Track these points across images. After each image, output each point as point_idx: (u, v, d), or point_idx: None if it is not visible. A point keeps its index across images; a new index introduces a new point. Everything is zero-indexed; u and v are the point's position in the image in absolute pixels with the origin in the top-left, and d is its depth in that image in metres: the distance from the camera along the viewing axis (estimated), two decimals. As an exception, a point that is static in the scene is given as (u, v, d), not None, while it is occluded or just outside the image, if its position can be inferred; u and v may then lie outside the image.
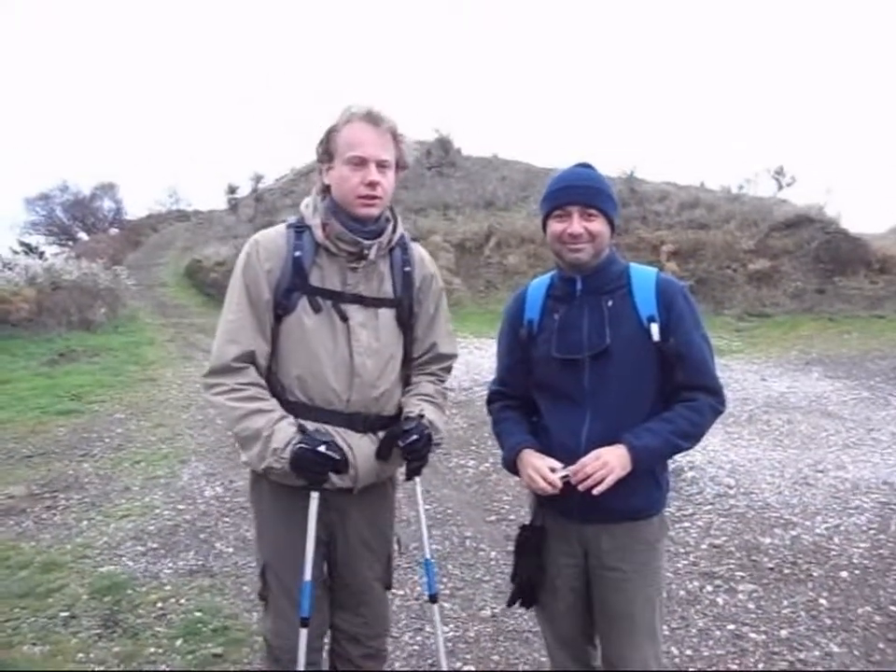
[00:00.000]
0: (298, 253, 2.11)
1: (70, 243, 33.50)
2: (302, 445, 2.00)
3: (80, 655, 3.28)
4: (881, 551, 4.19)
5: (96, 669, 3.16)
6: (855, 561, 4.07)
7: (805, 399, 8.21)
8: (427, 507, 5.01)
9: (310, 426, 2.09)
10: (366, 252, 2.12)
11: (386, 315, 2.20)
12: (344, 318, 2.13)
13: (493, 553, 4.28)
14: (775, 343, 12.20)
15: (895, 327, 13.02)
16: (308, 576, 2.10)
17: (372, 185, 2.06)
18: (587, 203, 2.09)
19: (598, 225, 2.10)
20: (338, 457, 2.02)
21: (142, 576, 4.09)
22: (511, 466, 2.21)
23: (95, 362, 10.89)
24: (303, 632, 2.13)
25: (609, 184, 2.19)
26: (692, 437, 2.11)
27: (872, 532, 4.45)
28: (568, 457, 2.08)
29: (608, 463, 1.99)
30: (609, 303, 2.12)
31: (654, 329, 2.08)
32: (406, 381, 2.33)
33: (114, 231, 33.51)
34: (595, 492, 1.99)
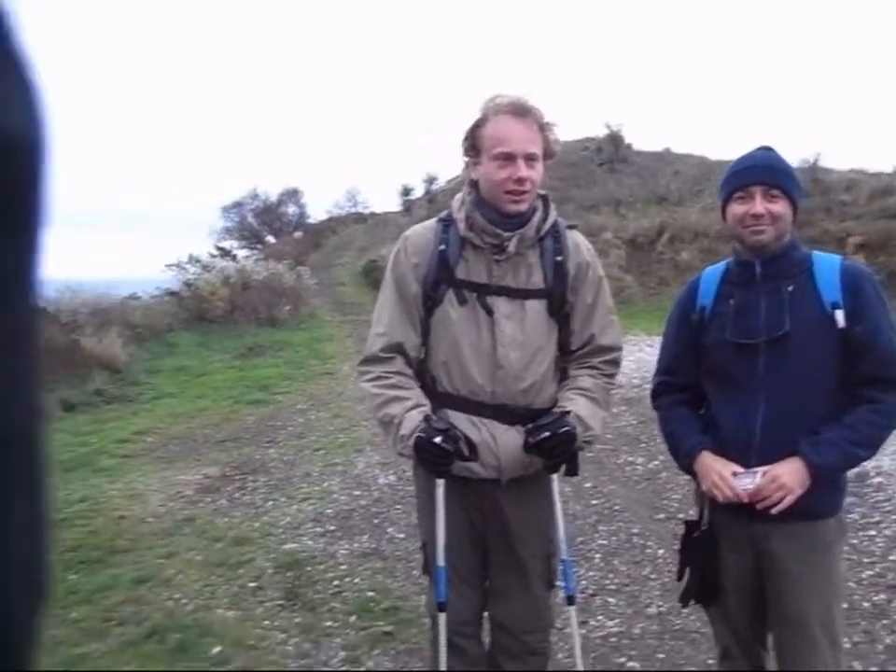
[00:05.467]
0: (443, 247, 2.17)
1: (259, 246, 35.99)
2: (420, 435, 2.03)
3: (266, 622, 3.56)
4: None
5: (279, 637, 3.42)
6: None
7: None
8: (595, 503, 4.99)
9: (450, 414, 2.13)
10: (506, 244, 2.12)
11: (535, 306, 2.17)
12: (489, 311, 2.14)
13: (660, 551, 4.18)
14: None
15: None
16: (441, 561, 2.15)
17: (521, 181, 2.06)
18: (770, 183, 2.03)
19: (781, 207, 2.03)
20: (451, 449, 2.02)
21: (320, 555, 4.35)
22: (688, 468, 2.17)
23: (280, 356, 11.65)
24: (441, 616, 2.19)
25: (791, 166, 2.12)
26: (876, 444, 2.01)
27: None
28: (742, 450, 2.04)
29: (784, 486, 1.94)
30: (790, 288, 2.03)
31: (839, 316, 1.98)
32: (565, 374, 2.28)
33: (298, 234, 35.60)
34: (773, 511, 1.95)
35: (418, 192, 32.38)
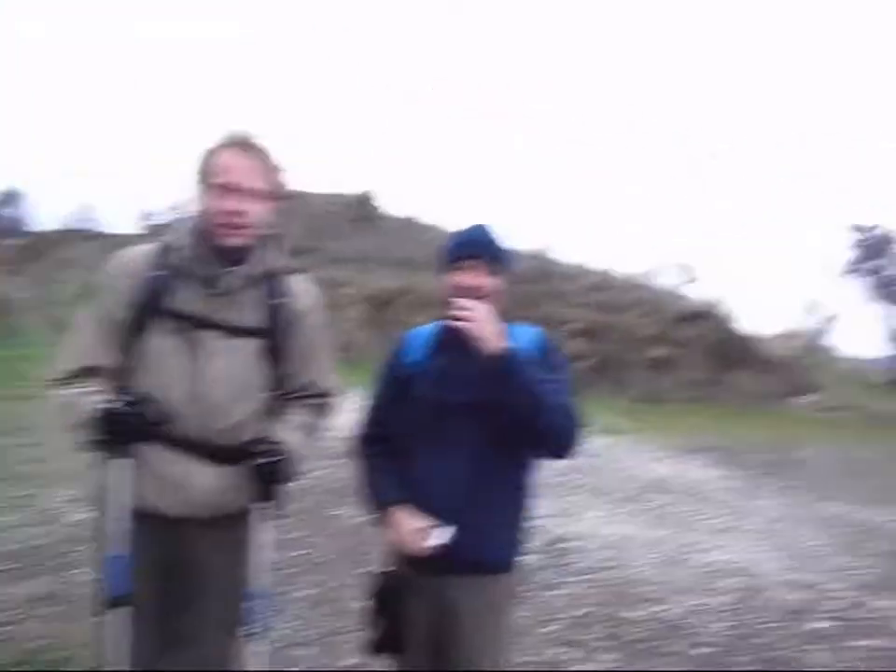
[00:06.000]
0: (156, 273, 2.07)
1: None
2: (101, 406, 1.93)
3: None
4: (737, 631, 4.33)
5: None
6: (711, 639, 4.19)
7: (685, 484, 8.52)
8: (301, 552, 4.92)
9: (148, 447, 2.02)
10: (219, 279, 2.06)
11: (246, 345, 2.11)
12: (196, 344, 2.06)
13: (359, 604, 4.20)
14: (665, 429, 12.63)
15: (773, 422, 13.84)
16: (114, 551, 1.98)
17: (236, 214, 2.02)
18: (477, 256, 2.17)
19: (486, 279, 2.17)
20: (120, 409, 1.92)
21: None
22: (381, 520, 2.21)
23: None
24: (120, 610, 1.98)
25: (501, 241, 2.25)
26: (557, 395, 2.07)
27: (728, 613, 4.61)
28: (436, 505, 2.10)
29: (485, 312, 2.02)
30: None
31: None
32: (276, 411, 2.22)
33: (12, 241, 32.08)
34: (460, 324, 2.03)
35: (164, 218, 30.73)
